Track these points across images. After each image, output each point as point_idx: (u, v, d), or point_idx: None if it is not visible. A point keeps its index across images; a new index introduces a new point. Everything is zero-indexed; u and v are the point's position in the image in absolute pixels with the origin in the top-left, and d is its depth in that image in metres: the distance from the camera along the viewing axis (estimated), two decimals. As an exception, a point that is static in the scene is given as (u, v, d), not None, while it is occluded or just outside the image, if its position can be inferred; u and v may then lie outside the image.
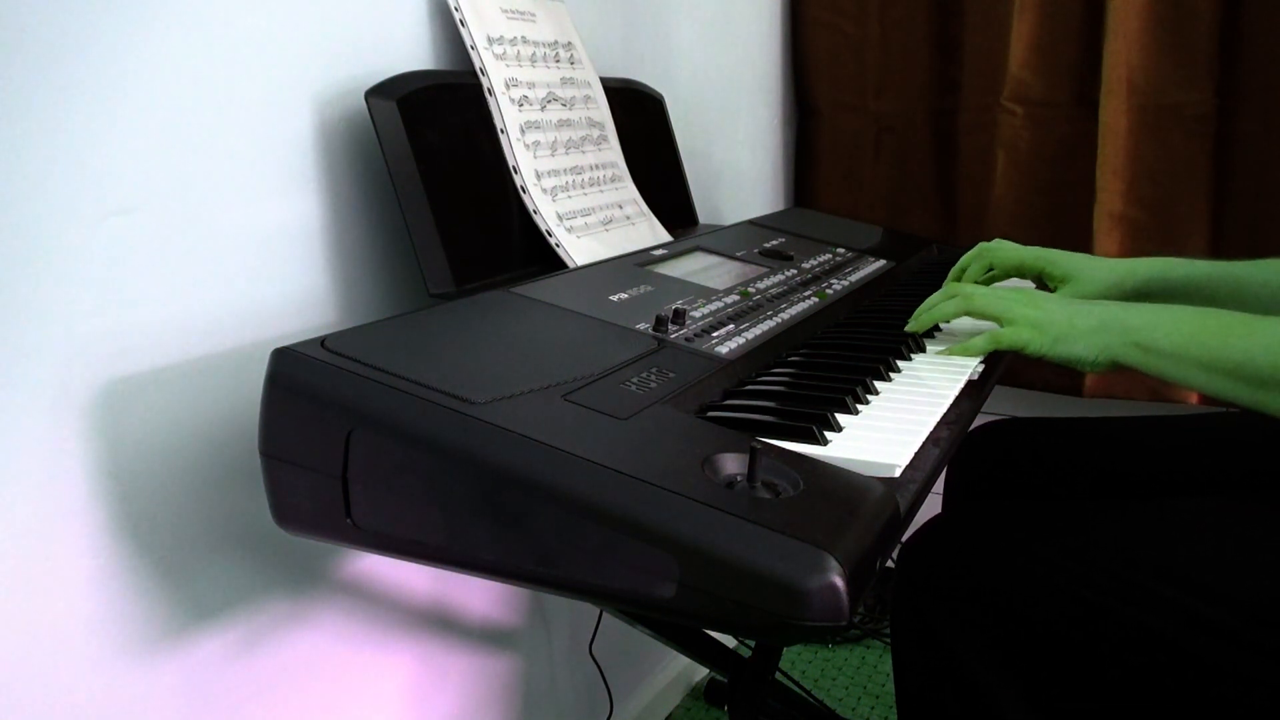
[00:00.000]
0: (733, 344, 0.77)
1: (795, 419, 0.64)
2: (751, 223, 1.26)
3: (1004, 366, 0.87)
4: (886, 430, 0.65)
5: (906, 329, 0.89)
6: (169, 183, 0.71)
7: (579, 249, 0.96)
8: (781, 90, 1.77)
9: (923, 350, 0.87)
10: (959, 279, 1.07)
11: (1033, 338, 0.82)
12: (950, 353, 0.84)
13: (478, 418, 0.56)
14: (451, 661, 1.07)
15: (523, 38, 0.99)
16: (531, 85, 0.98)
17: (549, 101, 1.00)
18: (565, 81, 1.04)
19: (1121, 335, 0.80)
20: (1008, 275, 1.09)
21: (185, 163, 0.72)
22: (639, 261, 0.94)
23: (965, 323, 0.93)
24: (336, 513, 0.60)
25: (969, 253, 1.09)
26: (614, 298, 0.82)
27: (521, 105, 0.96)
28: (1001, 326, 0.84)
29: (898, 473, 0.58)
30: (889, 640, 1.70)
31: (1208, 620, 0.70)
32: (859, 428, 0.65)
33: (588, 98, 1.07)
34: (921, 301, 0.91)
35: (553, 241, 0.94)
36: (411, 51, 0.92)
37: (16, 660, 0.65)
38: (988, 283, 1.11)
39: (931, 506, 0.75)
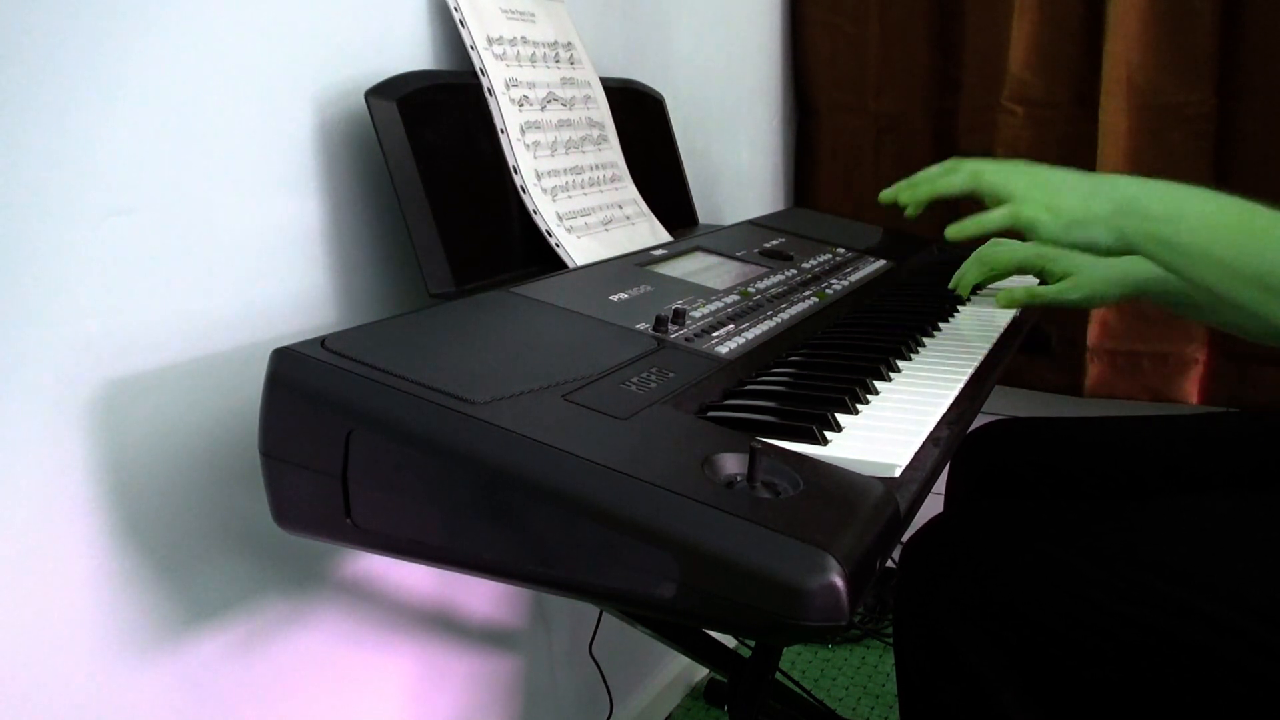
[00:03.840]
0: (733, 344, 0.77)
1: (795, 419, 0.63)
2: (751, 223, 1.26)
3: (1004, 366, 0.87)
4: (886, 430, 0.65)
5: (899, 200, 0.82)
6: (169, 183, 0.71)
7: (579, 249, 0.96)
8: (781, 90, 1.77)
9: (926, 346, 0.87)
10: (957, 286, 1.07)
11: (1047, 220, 0.77)
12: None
13: (477, 418, 0.56)
14: (451, 661, 1.07)
15: (523, 38, 0.99)
16: (531, 85, 0.98)
17: (549, 101, 1.00)
18: (565, 81, 1.04)
19: (1141, 223, 0.74)
20: (1008, 275, 1.09)
21: (185, 163, 0.72)
22: (639, 261, 0.94)
23: (970, 322, 0.93)
24: (336, 513, 0.60)
25: (968, 259, 1.09)
26: (614, 298, 0.82)
27: (521, 105, 0.96)
28: (1011, 206, 0.79)
29: (898, 473, 0.58)
30: (889, 640, 1.72)
31: (1210, 617, 0.70)
32: (859, 428, 0.65)
33: (588, 98, 1.07)
34: (921, 301, 0.90)
35: (553, 241, 0.94)
36: (411, 51, 0.92)
37: (16, 660, 0.65)
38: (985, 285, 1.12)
39: (933, 506, 0.75)
